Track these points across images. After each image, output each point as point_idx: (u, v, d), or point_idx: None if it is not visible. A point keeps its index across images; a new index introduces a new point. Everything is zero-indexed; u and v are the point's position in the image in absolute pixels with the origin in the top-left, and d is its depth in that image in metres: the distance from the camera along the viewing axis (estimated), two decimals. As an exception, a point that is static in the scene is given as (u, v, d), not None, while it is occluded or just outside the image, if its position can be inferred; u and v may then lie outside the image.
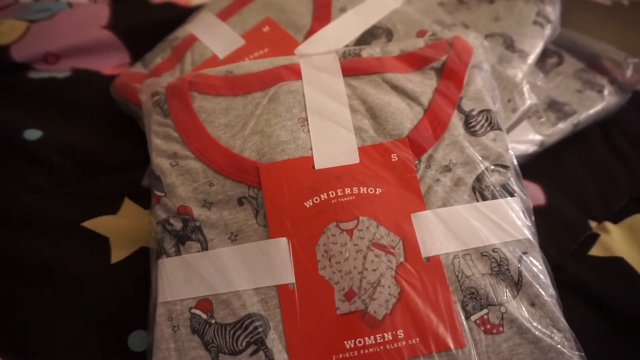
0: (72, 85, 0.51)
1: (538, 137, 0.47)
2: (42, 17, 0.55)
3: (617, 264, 0.39)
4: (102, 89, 0.50)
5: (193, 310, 0.31)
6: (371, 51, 0.39)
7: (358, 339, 0.29)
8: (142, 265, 0.37)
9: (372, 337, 0.29)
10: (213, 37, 0.48)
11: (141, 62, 0.51)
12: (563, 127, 0.47)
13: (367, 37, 0.45)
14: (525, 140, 0.46)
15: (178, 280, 0.32)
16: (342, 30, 0.45)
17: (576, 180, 0.46)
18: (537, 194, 0.45)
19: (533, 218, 0.34)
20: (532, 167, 0.45)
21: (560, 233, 0.42)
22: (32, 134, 0.45)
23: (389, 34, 0.45)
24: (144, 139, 0.46)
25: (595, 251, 0.41)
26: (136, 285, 0.37)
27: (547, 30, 0.47)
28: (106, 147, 0.46)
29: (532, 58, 0.45)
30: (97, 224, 0.41)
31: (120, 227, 0.41)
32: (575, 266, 0.40)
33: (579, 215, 0.44)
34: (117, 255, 0.39)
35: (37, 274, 0.37)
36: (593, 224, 0.43)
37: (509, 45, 0.45)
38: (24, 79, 0.51)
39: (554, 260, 0.39)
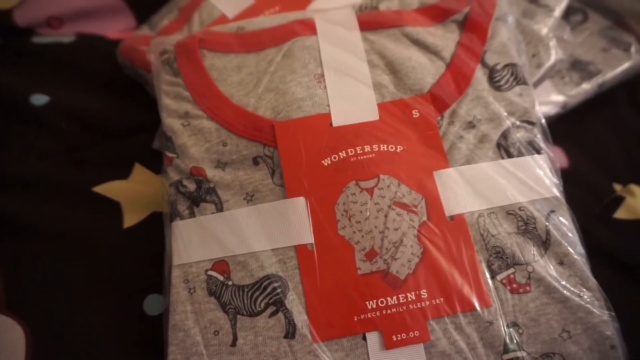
0: (77, 50, 0.49)
1: (561, 98, 0.45)
2: (44, -20, 0.53)
3: (644, 226, 0.38)
4: (108, 54, 0.48)
5: (209, 272, 0.30)
6: (389, 4, 0.37)
7: (380, 299, 0.28)
8: (154, 231, 0.36)
9: (394, 297, 0.28)
10: (221, -4, 0.46)
11: (147, 24, 0.49)
12: (587, 87, 0.45)
13: (383, -8, 0.43)
14: (548, 101, 0.45)
15: (193, 243, 0.31)
16: (357, -14, 0.43)
17: (600, 142, 0.45)
18: (559, 157, 0.44)
19: (560, 175, 0.33)
20: (554, 129, 0.43)
21: (584, 196, 0.41)
22: (39, 99, 0.44)
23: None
24: (151, 104, 0.45)
25: (620, 214, 0.40)
26: (149, 250, 0.36)
27: (574, -16, 0.44)
28: (114, 112, 0.45)
29: (557, 12, 0.43)
30: (108, 188, 0.40)
31: (131, 192, 0.40)
32: (600, 229, 0.39)
33: (603, 178, 0.42)
34: (130, 220, 0.38)
35: (50, 239, 0.37)
36: (618, 187, 0.42)
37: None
38: (28, 44, 0.49)
39: (578, 223, 0.38)
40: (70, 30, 0.52)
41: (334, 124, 0.32)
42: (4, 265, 0.35)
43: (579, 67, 0.46)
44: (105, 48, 0.49)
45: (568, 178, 0.41)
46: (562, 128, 0.45)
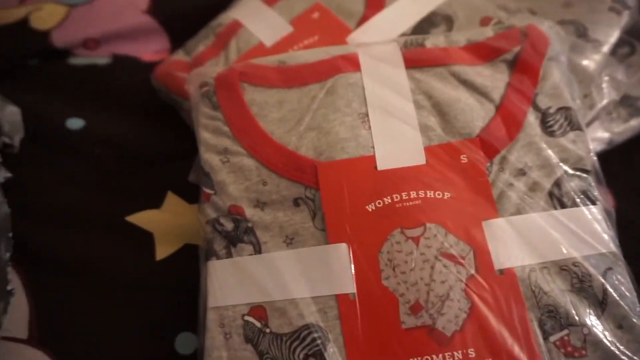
0: (112, 73, 0.49)
1: (606, 135, 0.43)
2: (82, 2, 0.53)
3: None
4: (143, 77, 0.48)
5: (246, 318, 0.29)
6: (435, 41, 0.36)
7: (425, 357, 0.27)
8: (187, 264, 0.36)
9: (440, 355, 0.27)
10: (259, 23, 0.45)
11: (183, 49, 0.49)
12: (635, 124, 0.43)
13: (425, 25, 0.42)
14: (593, 138, 0.43)
15: (230, 285, 0.30)
16: (398, 17, 0.42)
17: (649, 182, 0.43)
18: (605, 198, 0.42)
19: (615, 225, 0.31)
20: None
21: (631, 242, 0.39)
22: (75, 123, 0.44)
23: (448, 22, 0.42)
24: (186, 130, 0.44)
25: (672, 262, 0.38)
26: (182, 284, 0.35)
27: (624, 18, 0.42)
28: (148, 138, 0.45)
29: (606, 48, 0.41)
30: (141, 218, 0.39)
31: (164, 223, 0.39)
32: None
33: (652, 221, 0.40)
34: (162, 252, 0.38)
35: (81, 270, 0.36)
36: (669, 232, 0.40)
37: (582, 34, 0.41)
38: (64, 65, 0.50)
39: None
40: (106, 50, 0.52)
41: (379, 168, 0.31)
42: (36, 298, 0.35)
43: (627, 103, 0.44)
44: (140, 71, 0.49)
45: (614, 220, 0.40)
46: (608, 166, 0.43)
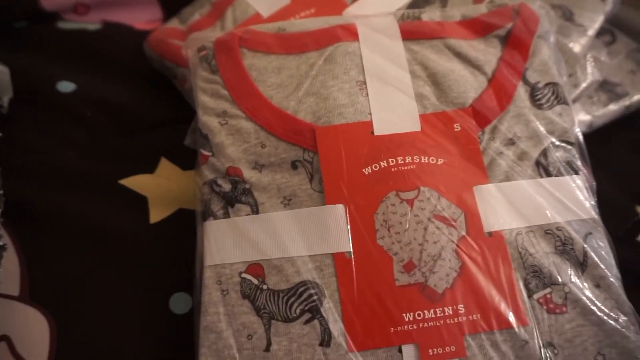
0: (103, 39, 0.49)
1: (587, 118, 0.45)
2: (73, -35, 0.52)
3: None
4: (134, 44, 0.48)
5: (243, 275, 0.30)
6: (431, 15, 0.37)
7: (417, 312, 0.28)
8: (181, 228, 0.36)
9: (431, 310, 0.28)
10: (256, -7, 0.45)
11: (178, 17, 0.48)
12: (614, 108, 0.46)
13: (420, 2, 0.43)
14: (574, 120, 0.45)
15: (227, 244, 0.31)
16: (394, -7, 0.43)
17: (624, 164, 0.45)
18: (586, 174, 0.44)
19: (595, 196, 0.33)
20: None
21: (607, 218, 0.41)
22: (66, 86, 0.44)
23: None
24: (177, 98, 0.44)
25: (643, 237, 0.40)
26: (176, 247, 0.35)
27: (609, 5, 0.44)
28: (139, 104, 0.45)
29: (590, 32, 0.43)
30: (135, 182, 0.39)
31: (158, 187, 0.39)
32: (623, 252, 0.39)
33: (626, 201, 0.43)
34: (156, 215, 0.38)
35: (73, 229, 0.36)
36: (640, 209, 0.42)
37: (568, 18, 0.43)
38: (53, 29, 0.49)
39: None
40: (96, 17, 0.51)
41: (376, 133, 0.32)
42: (27, 256, 0.35)
43: (607, 88, 0.46)
44: (132, 38, 0.49)
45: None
46: (586, 147, 0.45)
